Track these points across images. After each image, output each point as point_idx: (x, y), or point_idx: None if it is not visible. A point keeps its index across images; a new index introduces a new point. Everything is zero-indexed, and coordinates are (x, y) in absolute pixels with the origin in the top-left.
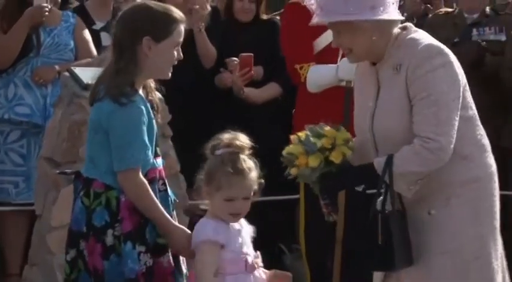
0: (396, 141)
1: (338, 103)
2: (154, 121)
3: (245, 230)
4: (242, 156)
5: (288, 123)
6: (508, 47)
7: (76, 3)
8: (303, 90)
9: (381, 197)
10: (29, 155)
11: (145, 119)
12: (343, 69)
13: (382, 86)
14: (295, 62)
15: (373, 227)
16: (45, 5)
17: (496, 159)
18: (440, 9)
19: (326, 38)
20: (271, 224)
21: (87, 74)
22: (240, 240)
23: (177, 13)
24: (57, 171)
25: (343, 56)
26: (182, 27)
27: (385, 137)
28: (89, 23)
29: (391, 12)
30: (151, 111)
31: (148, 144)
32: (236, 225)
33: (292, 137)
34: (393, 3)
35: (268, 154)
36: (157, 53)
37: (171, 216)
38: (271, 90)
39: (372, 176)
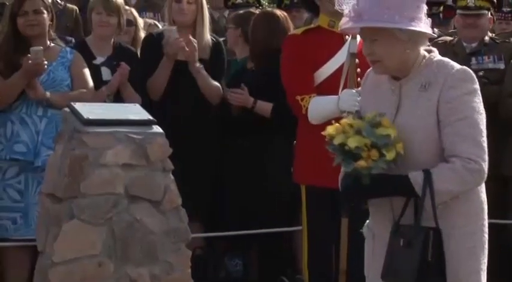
0: (413, 155)
1: None
2: None
3: None
4: None
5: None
6: (507, 74)
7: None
8: (304, 121)
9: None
10: (27, 191)
11: None
12: (345, 101)
13: (404, 102)
14: (296, 94)
15: (424, 244)
16: (41, 48)
17: (497, 188)
18: (440, 38)
19: (327, 70)
20: (273, 256)
21: (87, 109)
22: None
23: None
24: None
25: (344, 88)
26: None
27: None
28: (89, 57)
29: (426, 27)
30: None
31: None
32: None
33: (339, 124)
34: (425, 20)
35: (276, 189)
36: None
37: None
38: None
39: (406, 189)
